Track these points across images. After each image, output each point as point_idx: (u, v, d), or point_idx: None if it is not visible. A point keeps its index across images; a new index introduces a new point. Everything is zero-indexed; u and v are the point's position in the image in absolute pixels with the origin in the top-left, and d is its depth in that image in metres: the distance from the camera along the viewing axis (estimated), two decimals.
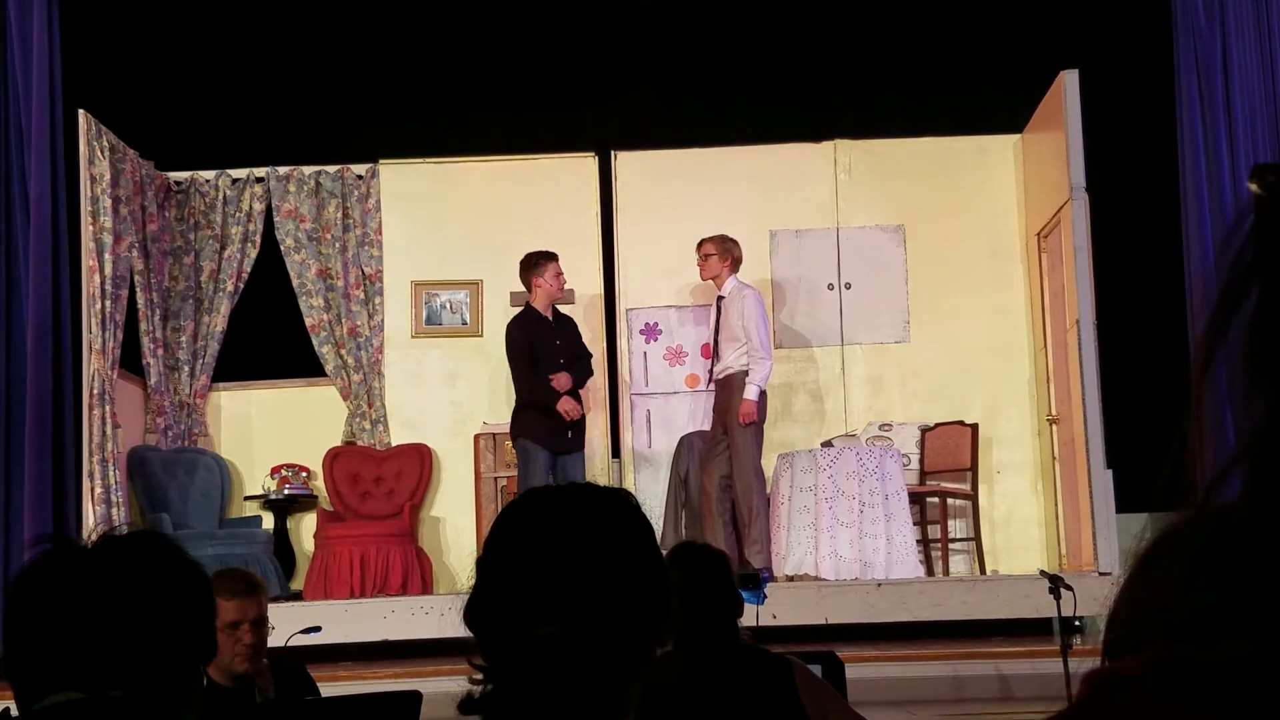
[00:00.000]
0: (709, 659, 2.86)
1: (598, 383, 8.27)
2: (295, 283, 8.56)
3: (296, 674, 3.71)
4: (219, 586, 3.36)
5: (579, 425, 7.36)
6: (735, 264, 7.51)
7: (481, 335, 8.52)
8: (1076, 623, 5.79)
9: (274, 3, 8.71)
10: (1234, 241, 0.60)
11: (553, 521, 1.36)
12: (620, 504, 1.39)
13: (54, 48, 7.61)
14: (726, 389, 7.37)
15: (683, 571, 2.77)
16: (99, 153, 7.59)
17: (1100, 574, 6.83)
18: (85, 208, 7.50)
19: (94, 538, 1.50)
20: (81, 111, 7.51)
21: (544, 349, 7.36)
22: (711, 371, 7.63)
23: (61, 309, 7.47)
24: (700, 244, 7.59)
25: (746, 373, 7.26)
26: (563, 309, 7.87)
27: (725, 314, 7.42)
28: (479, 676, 1.31)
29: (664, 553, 1.45)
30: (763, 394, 7.34)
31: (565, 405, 7.19)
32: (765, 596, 5.12)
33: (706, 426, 7.95)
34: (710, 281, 7.66)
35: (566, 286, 8.23)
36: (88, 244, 7.49)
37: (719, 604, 2.94)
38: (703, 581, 2.89)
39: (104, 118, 7.70)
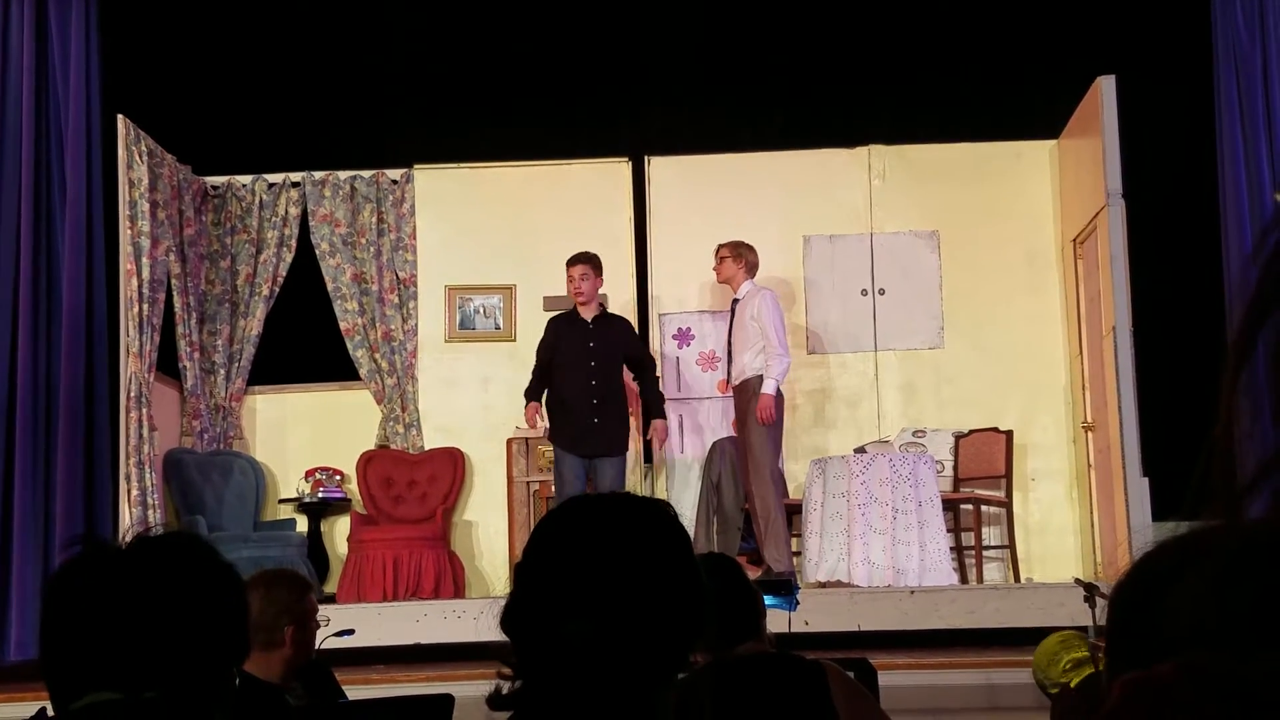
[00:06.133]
0: (737, 667, 2.85)
1: (629, 387, 8.26)
2: (330, 287, 8.62)
3: (321, 674, 3.73)
4: (305, 587, 3.46)
5: (603, 430, 7.20)
6: (750, 268, 7.47)
7: (515, 340, 8.54)
8: None
9: (311, 9, 8.76)
10: (1264, 250, 0.60)
11: (590, 529, 1.38)
12: (658, 513, 1.41)
13: (92, 53, 7.69)
14: (744, 394, 7.32)
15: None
16: (137, 157, 7.66)
17: None
18: (123, 211, 7.57)
19: (128, 538, 1.52)
20: (120, 116, 7.58)
21: (569, 351, 7.25)
22: (729, 377, 7.58)
23: (99, 312, 7.54)
24: (717, 248, 7.59)
25: (762, 376, 7.19)
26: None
27: (739, 317, 7.40)
28: (509, 672, 1.33)
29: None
30: (780, 395, 7.29)
31: (526, 414, 7.25)
32: (798, 602, 5.10)
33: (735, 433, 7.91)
34: (728, 286, 7.64)
35: (600, 291, 8.27)
36: (125, 248, 7.55)
37: (739, 609, 2.93)
38: (718, 588, 2.88)
39: (142, 122, 7.77)
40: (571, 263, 7.41)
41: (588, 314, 7.41)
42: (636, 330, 8.47)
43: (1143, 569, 0.65)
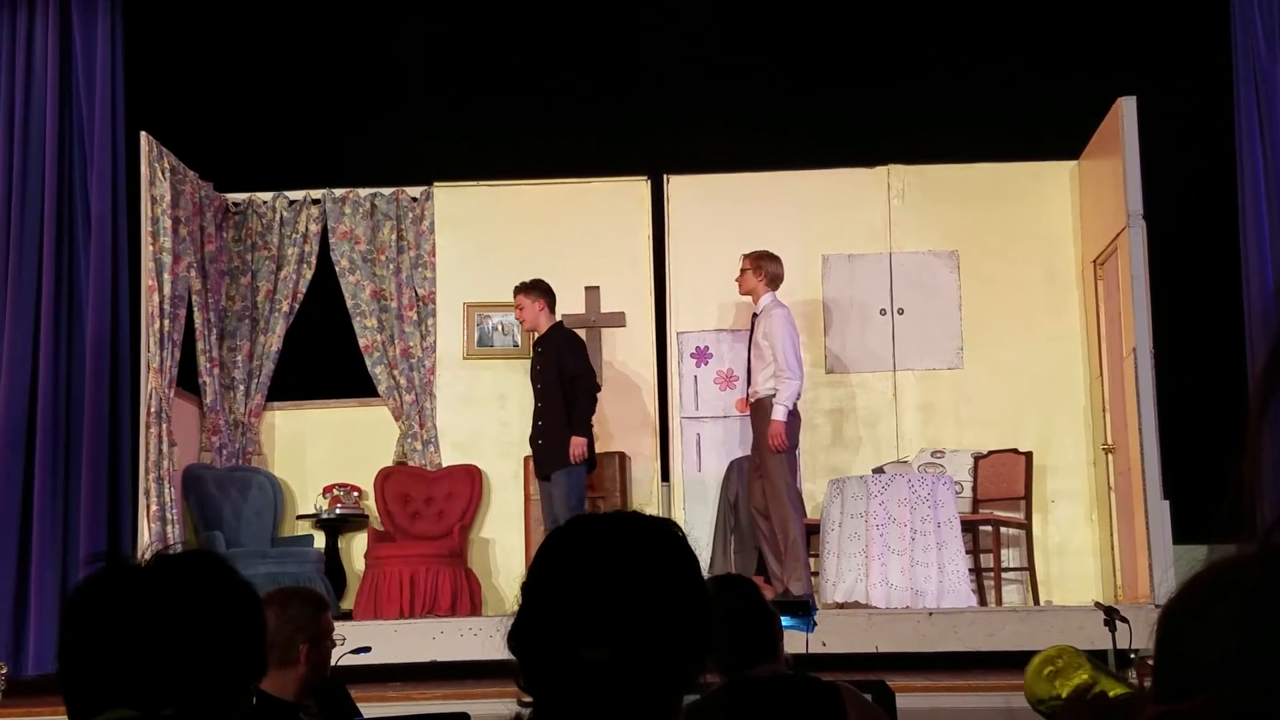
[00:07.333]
0: (753, 688, 2.84)
1: (646, 407, 8.27)
2: (349, 303, 8.64)
3: (336, 692, 3.72)
4: (321, 605, 3.47)
5: (545, 450, 7.36)
6: (772, 281, 7.43)
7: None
8: (1132, 655, 5.71)
9: (333, 29, 8.81)
10: None
11: (597, 547, 1.37)
12: (664, 532, 1.40)
13: (117, 70, 7.74)
14: (759, 414, 7.28)
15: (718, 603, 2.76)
16: (160, 174, 7.71)
17: (1156, 606, 6.71)
18: (145, 228, 7.61)
19: (147, 556, 1.52)
20: (143, 133, 7.63)
21: (531, 378, 7.61)
22: (748, 393, 7.55)
23: (120, 328, 7.57)
24: (741, 258, 7.57)
25: (773, 399, 7.17)
26: (612, 332, 7.89)
27: (756, 333, 7.39)
28: (527, 699, 1.32)
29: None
30: (794, 416, 7.24)
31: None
32: (815, 624, 5.08)
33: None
34: (749, 299, 7.63)
35: (616, 310, 8.35)
36: (147, 264, 7.59)
37: (756, 631, 2.92)
38: (735, 610, 2.87)
39: (165, 139, 7.81)
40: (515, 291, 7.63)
41: (538, 337, 7.59)
42: (653, 348, 8.48)
43: (1179, 600, 0.65)
